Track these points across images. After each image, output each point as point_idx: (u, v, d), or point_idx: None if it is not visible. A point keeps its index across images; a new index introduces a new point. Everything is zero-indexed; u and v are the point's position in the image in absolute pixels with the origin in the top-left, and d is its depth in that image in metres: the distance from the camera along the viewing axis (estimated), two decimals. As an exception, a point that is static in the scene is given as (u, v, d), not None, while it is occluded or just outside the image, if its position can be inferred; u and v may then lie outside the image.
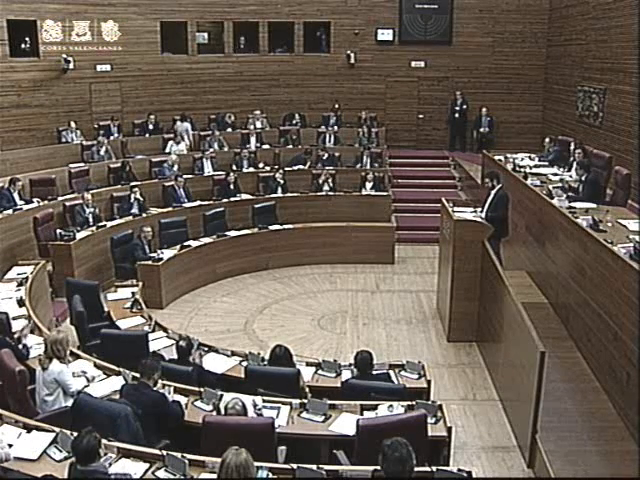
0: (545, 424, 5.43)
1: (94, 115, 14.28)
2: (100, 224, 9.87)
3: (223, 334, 8.30)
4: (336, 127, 14.79)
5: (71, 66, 13.64)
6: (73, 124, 13.48)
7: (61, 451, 4.32)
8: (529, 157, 11.22)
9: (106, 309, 7.58)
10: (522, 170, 10.07)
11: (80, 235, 9.36)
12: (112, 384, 5.43)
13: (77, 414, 4.74)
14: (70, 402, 5.04)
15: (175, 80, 15.22)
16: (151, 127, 14.36)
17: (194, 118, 14.68)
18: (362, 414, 4.99)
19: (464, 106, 15.46)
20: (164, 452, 4.29)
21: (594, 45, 12.47)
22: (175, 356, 5.90)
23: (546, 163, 10.74)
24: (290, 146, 14.05)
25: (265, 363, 5.90)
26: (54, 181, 11.29)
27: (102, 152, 12.58)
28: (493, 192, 8.25)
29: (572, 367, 6.64)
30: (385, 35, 15.64)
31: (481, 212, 8.11)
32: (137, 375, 5.21)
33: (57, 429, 4.45)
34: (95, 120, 14.16)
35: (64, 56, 13.52)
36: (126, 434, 4.50)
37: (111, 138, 13.54)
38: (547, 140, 11.76)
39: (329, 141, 14.25)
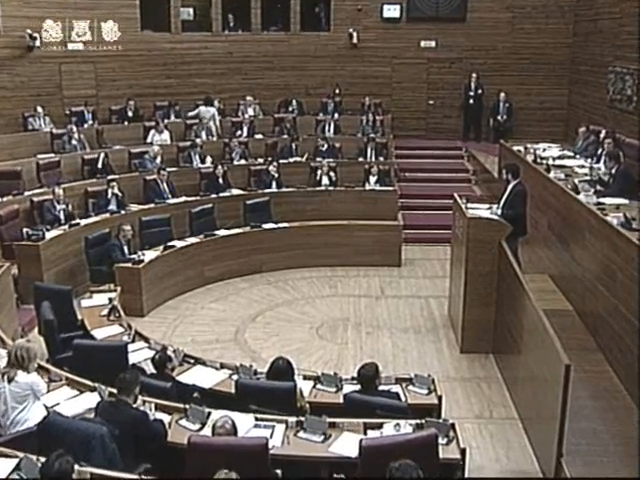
0: (571, 446, 5.41)
1: (65, 100, 14.28)
2: (73, 222, 9.86)
3: (211, 344, 8.30)
4: (336, 115, 14.81)
5: (37, 43, 13.55)
6: (41, 109, 13.41)
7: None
8: (559, 149, 11.15)
9: (80, 317, 7.56)
10: (544, 162, 10.06)
11: (50, 235, 9.35)
12: (86, 401, 5.40)
13: (45, 436, 4.70)
14: (42, 413, 5.01)
15: (157, 61, 15.24)
16: (130, 114, 14.34)
17: (181, 104, 14.72)
18: (366, 433, 4.98)
19: (479, 91, 15.48)
20: (144, 477, 4.27)
21: (628, 19, 12.28)
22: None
23: (572, 154, 10.75)
24: (286, 136, 14.06)
25: (258, 377, 5.90)
26: (20, 174, 11.23)
27: (74, 142, 12.57)
28: (510, 187, 8.25)
29: (601, 382, 6.63)
30: (391, 11, 15.66)
31: (497, 209, 8.11)
32: (114, 391, 5.19)
33: (20, 454, 4.37)
34: (66, 105, 14.13)
35: (29, 31, 13.38)
36: (101, 457, 4.47)
37: (85, 126, 13.51)
38: (582, 130, 11.42)
39: (329, 130, 14.28)
